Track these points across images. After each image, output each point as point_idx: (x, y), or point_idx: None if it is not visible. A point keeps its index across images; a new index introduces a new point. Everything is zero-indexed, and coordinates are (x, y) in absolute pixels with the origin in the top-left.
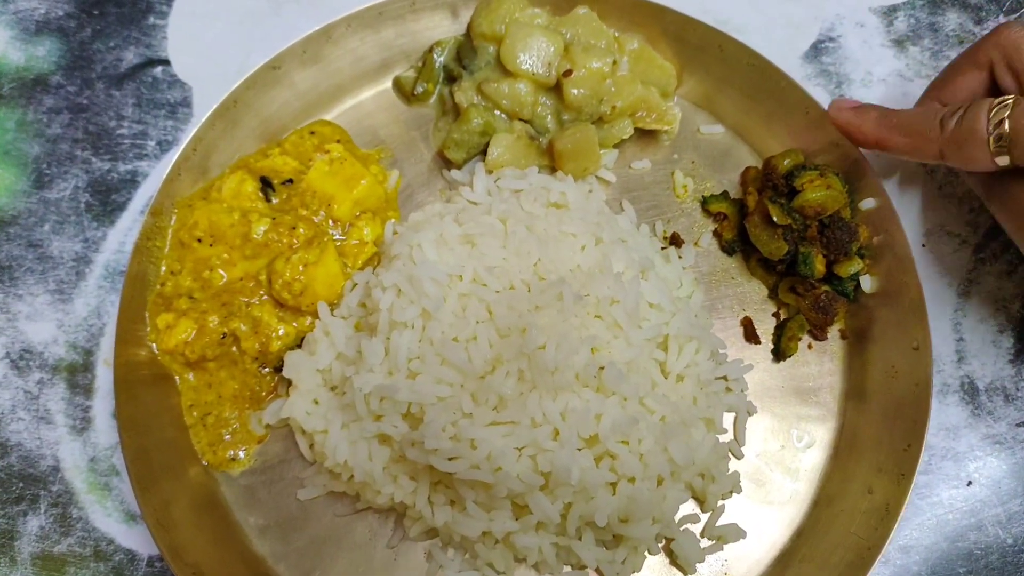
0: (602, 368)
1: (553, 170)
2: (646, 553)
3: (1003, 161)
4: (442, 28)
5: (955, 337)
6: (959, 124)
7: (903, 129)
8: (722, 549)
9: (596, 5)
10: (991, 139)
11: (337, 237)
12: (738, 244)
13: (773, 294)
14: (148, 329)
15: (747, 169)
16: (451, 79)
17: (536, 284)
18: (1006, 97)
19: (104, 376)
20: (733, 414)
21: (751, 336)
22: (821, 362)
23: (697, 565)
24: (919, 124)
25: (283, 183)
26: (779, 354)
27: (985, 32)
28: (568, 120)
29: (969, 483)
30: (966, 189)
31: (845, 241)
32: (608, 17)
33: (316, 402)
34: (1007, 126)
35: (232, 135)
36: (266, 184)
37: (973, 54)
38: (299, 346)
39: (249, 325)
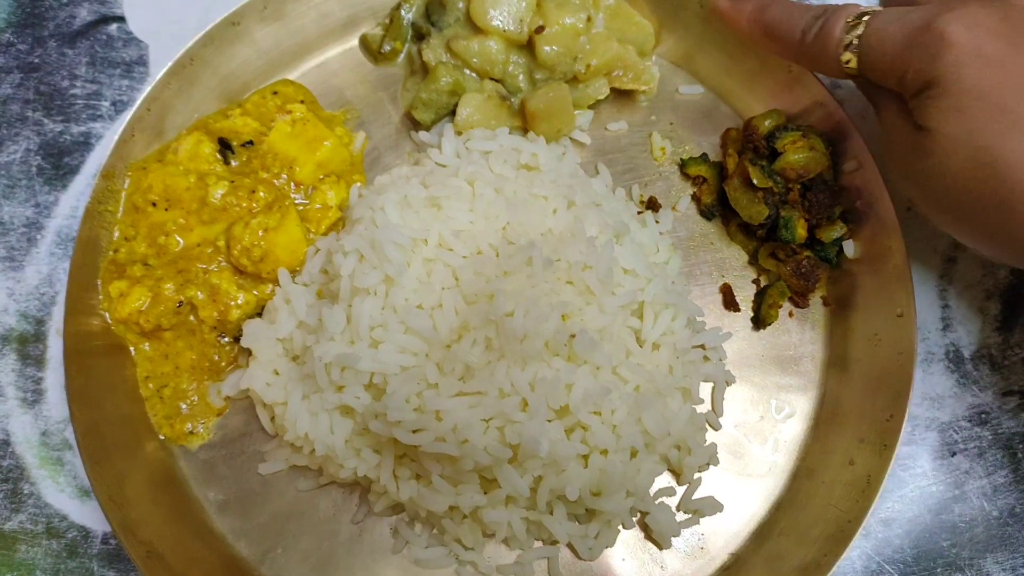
0: (573, 336)
1: (525, 131)
2: (620, 527)
3: (860, 78)
4: None
5: (940, 304)
6: (815, 37)
7: (770, 29)
8: (699, 523)
9: None
10: (844, 56)
11: (299, 201)
12: (717, 208)
13: (753, 260)
14: (100, 297)
15: (727, 131)
16: (419, 37)
17: (504, 248)
18: (866, 10)
19: (56, 346)
20: (711, 384)
21: (730, 303)
22: (802, 330)
23: (673, 539)
24: (785, 27)
25: (243, 145)
26: (759, 322)
27: None
28: (541, 79)
29: (954, 454)
30: None
31: (828, 205)
32: None
33: (276, 373)
34: (857, 44)
35: (189, 95)
36: (224, 146)
37: None
38: (259, 315)
39: (207, 293)
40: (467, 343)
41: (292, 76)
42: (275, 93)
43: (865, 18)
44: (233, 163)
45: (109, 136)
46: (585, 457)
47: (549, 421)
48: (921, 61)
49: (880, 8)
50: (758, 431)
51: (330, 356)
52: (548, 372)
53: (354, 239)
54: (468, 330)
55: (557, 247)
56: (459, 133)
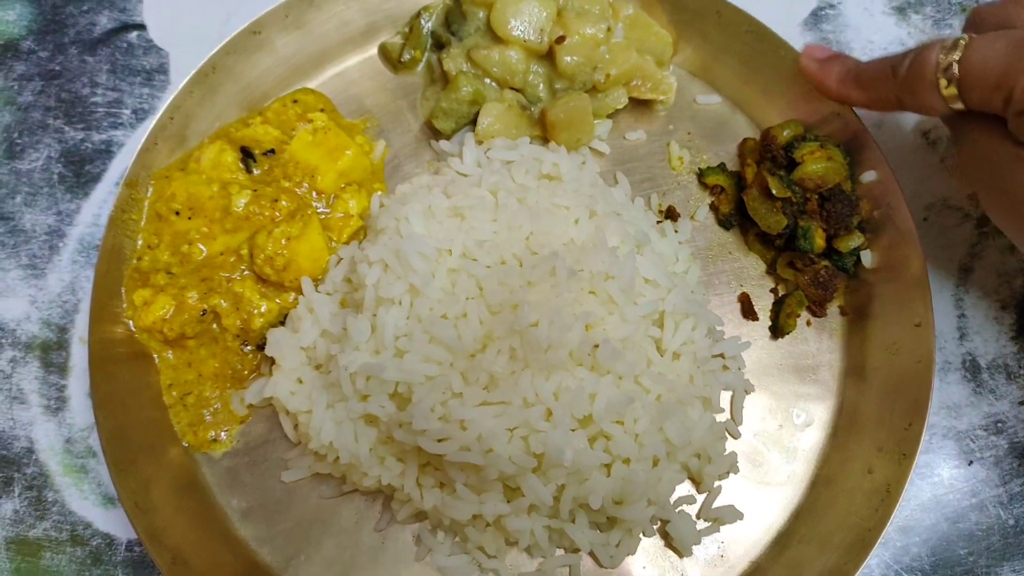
0: (596, 346)
1: (545, 141)
2: (641, 535)
3: (958, 105)
4: None
5: (957, 313)
6: (909, 69)
7: (862, 82)
8: (719, 531)
9: None
10: (941, 82)
11: (321, 210)
12: (735, 218)
13: (771, 269)
14: (124, 306)
15: (745, 140)
16: (439, 46)
17: (528, 259)
18: (959, 36)
19: (79, 354)
20: (730, 392)
21: (749, 312)
22: (820, 339)
23: (693, 547)
24: (876, 74)
25: (264, 153)
26: (777, 331)
27: None
28: (561, 89)
29: (971, 462)
30: None
31: (846, 215)
32: None
33: (300, 381)
34: (956, 69)
35: (211, 103)
36: (247, 154)
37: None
38: (282, 323)
39: (230, 301)
40: (491, 353)
41: (312, 84)
42: (295, 101)
43: (962, 42)
44: (255, 172)
45: (130, 144)
46: (608, 466)
47: (573, 430)
48: None
49: (974, 35)
50: (777, 440)
51: (355, 365)
52: (572, 382)
53: (379, 249)
54: (492, 340)
55: (580, 257)
56: (480, 142)
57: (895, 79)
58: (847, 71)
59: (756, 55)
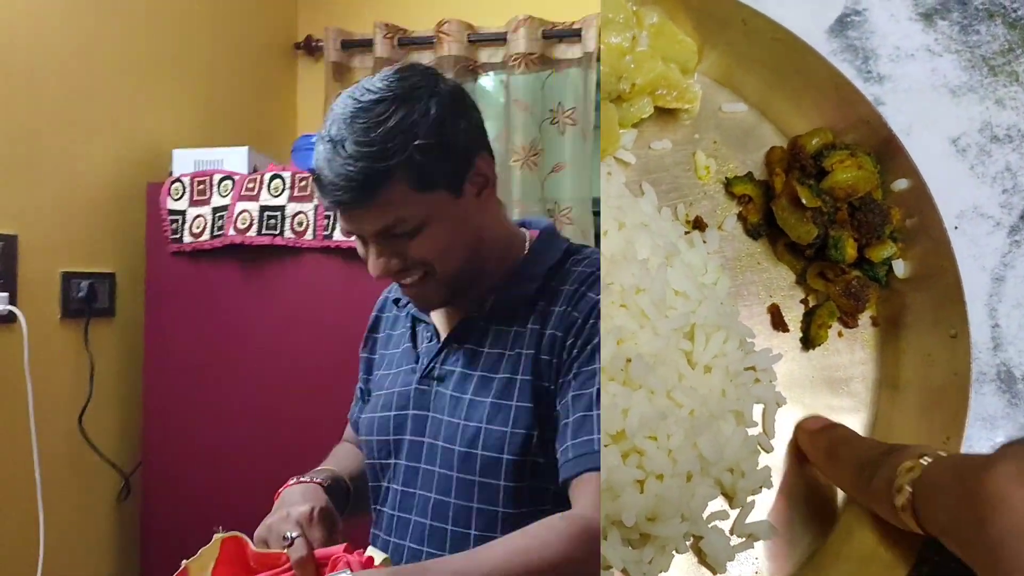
0: (629, 360)
1: None
2: (674, 552)
3: (917, 529)
4: None
5: (991, 323)
6: (871, 483)
7: (833, 461)
8: (753, 547)
9: None
10: (896, 497)
11: None
12: (764, 228)
13: (801, 280)
14: None
15: (772, 149)
16: None
17: None
18: (927, 451)
19: None
20: (762, 406)
21: (779, 324)
22: (852, 350)
23: (727, 564)
24: (846, 461)
25: None
26: (808, 342)
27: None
28: None
29: None
30: (999, 168)
31: (877, 224)
32: None
33: None
34: (908, 492)
35: None
36: None
37: None
38: None
39: None
40: None
41: None
42: None
43: (924, 460)
44: None
45: None
46: (641, 482)
47: (605, 446)
48: (970, 526)
49: (943, 454)
50: None
51: None
52: (604, 397)
53: None
54: None
55: (610, 270)
56: None
57: (859, 477)
58: (830, 447)
59: (783, 62)
